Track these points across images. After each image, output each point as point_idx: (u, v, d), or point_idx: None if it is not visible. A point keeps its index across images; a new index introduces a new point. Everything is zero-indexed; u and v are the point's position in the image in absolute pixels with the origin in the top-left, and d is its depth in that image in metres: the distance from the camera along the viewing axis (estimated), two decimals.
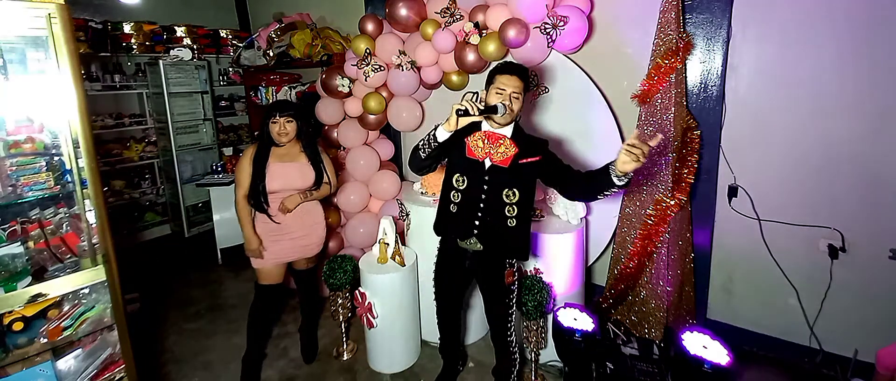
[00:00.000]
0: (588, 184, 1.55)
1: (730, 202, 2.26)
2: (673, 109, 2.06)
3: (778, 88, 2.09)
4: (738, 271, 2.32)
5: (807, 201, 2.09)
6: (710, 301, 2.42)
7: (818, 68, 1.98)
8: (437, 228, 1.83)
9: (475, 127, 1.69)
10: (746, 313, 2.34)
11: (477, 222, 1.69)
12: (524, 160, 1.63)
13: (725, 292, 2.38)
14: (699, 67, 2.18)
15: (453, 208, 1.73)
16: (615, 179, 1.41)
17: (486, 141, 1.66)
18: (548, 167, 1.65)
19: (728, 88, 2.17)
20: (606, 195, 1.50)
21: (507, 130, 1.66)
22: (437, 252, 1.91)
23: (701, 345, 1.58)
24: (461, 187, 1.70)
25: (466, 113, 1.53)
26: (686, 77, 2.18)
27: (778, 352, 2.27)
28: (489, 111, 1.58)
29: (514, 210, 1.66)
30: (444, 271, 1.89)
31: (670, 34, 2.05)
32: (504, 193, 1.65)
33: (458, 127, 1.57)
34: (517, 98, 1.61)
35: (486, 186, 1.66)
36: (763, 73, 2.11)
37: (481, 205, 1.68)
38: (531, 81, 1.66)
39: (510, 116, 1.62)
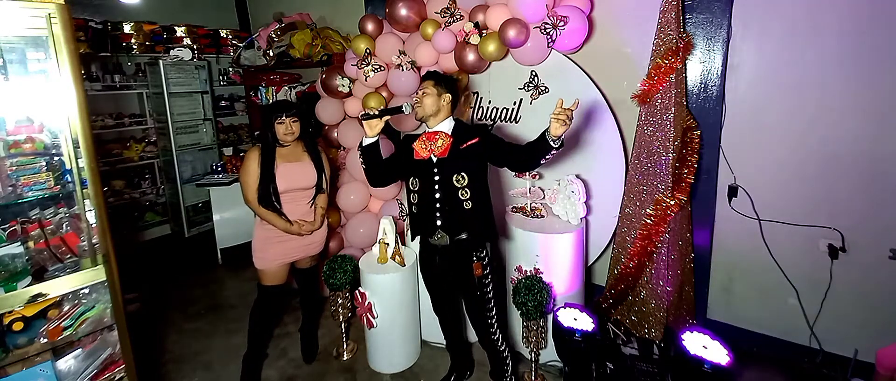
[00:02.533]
0: (528, 153, 1.68)
1: (730, 202, 2.25)
2: (673, 109, 2.06)
3: (778, 88, 2.08)
4: (738, 271, 2.32)
5: (807, 201, 2.09)
6: (710, 301, 2.42)
7: (819, 68, 1.98)
8: (412, 230, 1.97)
9: (418, 135, 1.87)
10: (746, 314, 2.34)
11: (437, 213, 1.81)
12: (463, 145, 1.78)
13: (725, 292, 2.38)
14: (699, 66, 2.18)
15: (415, 209, 1.88)
16: (552, 143, 1.56)
17: (426, 141, 1.82)
18: (488, 147, 1.78)
19: (728, 88, 2.17)
20: (547, 159, 1.63)
21: (443, 127, 1.81)
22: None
23: (701, 345, 1.58)
24: (415, 189, 1.85)
25: (368, 116, 1.77)
26: (686, 77, 2.18)
27: (778, 352, 2.27)
28: (393, 111, 1.80)
29: (466, 193, 1.78)
30: (424, 268, 2.02)
31: (670, 34, 2.05)
32: (454, 178, 1.78)
33: (376, 129, 1.79)
34: (428, 95, 1.77)
35: (437, 179, 1.80)
36: (763, 73, 2.11)
37: (437, 196, 1.80)
38: (450, 83, 1.85)
39: (421, 112, 1.79)
